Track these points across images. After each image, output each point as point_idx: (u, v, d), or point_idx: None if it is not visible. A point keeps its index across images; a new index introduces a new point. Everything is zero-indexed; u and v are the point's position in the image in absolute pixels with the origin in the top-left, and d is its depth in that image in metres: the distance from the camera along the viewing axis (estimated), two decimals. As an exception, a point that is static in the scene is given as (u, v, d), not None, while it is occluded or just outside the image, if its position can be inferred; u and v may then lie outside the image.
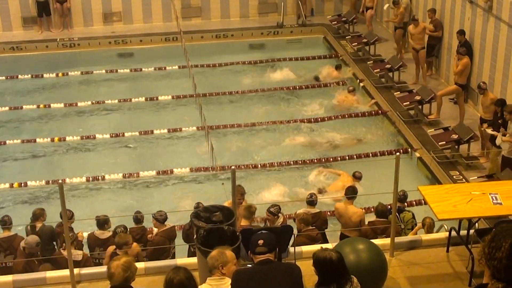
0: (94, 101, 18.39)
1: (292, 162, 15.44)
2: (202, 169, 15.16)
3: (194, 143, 16.48)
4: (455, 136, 14.66)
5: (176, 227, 11.32)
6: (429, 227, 10.81)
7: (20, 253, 10.51)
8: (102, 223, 11.06)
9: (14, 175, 15.28)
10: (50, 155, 16.23)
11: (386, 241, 9.82)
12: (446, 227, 10.52)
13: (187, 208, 12.18)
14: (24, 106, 18.14)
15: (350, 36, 21.29)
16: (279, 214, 11.28)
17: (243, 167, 15.01)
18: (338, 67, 19.46)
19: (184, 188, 14.74)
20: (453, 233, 9.69)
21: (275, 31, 22.71)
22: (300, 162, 15.50)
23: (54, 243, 11.34)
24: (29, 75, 20.01)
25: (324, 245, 8.55)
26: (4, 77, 19.87)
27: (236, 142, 16.50)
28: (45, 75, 20.08)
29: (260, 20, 23.49)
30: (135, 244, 10.70)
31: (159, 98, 18.63)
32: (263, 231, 6.99)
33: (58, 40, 21.87)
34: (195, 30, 22.21)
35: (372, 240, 9.32)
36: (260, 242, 6.58)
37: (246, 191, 11.83)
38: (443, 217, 8.99)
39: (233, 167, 8.62)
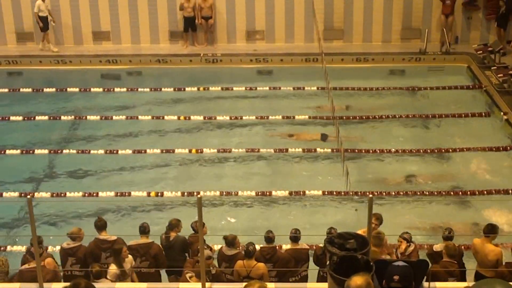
0: (232, 116, 18.72)
1: (427, 193, 15.11)
2: (335, 192, 15.08)
3: (329, 165, 16.43)
4: None
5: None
6: None
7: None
8: (230, 243, 11.18)
9: (151, 183, 15.77)
10: (187, 166, 16.63)
11: (526, 285, 9.34)
12: None
13: (318, 231, 12.14)
14: (165, 117, 18.68)
15: (496, 67, 20.62)
16: (411, 243, 11.10)
17: (376, 193, 14.80)
18: None
19: (316, 211, 14.71)
20: None
21: (417, 58, 22.29)
22: (435, 193, 15.13)
23: (186, 254, 11.62)
24: (172, 88, 20.62)
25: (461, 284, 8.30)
26: (148, 89, 20.61)
27: (372, 167, 16.33)
28: (187, 89, 20.62)
29: (402, 45, 23.12)
30: (261, 264, 10.75)
31: (296, 117, 18.72)
32: (400, 264, 6.79)
33: (201, 55, 22.48)
34: (336, 52, 22.19)
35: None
36: (396, 278, 6.42)
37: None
38: None
39: (370, 195, 8.47)
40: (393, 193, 15.04)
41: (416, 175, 16.03)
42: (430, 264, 8.82)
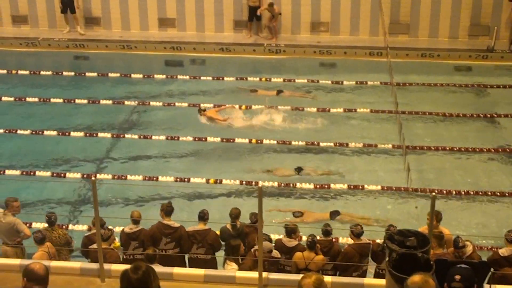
0: (293, 107, 18.67)
1: (489, 193, 14.83)
2: (394, 188, 14.92)
3: (390, 161, 16.26)
4: None
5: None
6: None
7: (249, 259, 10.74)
8: (290, 232, 11.17)
9: (211, 171, 15.85)
10: (246, 155, 16.67)
11: None
12: None
13: (376, 227, 12.07)
14: (226, 105, 18.71)
15: None
16: (466, 243, 10.88)
17: (436, 191, 14.55)
18: None
19: (375, 206, 14.59)
20: None
21: (484, 55, 21.87)
22: (498, 193, 14.85)
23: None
24: (234, 77, 20.65)
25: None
26: (211, 78, 20.70)
27: (435, 165, 16.10)
28: (249, 78, 20.62)
29: (469, 42, 22.73)
30: (320, 257, 10.71)
31: (358, 110, 18.56)
32: (462, 266, 6.72)
33: (265, 45, 22.48)
34: (401, 47, 21.94)
35: None
36: (457, 277, 6.37)
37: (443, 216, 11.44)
38: None
39: (433, 193, 8.34)
40: (454, 192, 14.81)
41: (479, 175, 15.74)
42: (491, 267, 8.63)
